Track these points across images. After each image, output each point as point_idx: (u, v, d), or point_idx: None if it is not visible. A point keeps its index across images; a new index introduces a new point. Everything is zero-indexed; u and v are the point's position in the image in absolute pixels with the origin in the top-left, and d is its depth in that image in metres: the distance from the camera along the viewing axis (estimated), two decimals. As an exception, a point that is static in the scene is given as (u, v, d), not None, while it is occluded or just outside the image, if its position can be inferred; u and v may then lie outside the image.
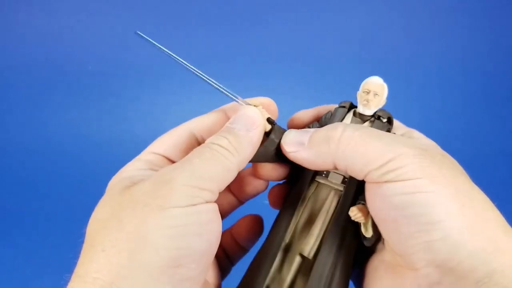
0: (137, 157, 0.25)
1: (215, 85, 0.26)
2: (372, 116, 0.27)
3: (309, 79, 0.84)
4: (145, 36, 0.26)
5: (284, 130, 0.26)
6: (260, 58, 0.87)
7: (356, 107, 0.27)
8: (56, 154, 0.81)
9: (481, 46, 0.89)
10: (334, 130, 0.23)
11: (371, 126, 0.26)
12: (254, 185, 0.29)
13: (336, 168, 0.23)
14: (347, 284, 0.25)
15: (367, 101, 0.26)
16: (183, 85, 0.85)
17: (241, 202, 0.31)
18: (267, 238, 0.27)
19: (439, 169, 0.20)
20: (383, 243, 0.24)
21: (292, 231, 0.27)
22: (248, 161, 0.24)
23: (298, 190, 0.27)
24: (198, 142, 0.27)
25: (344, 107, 0.28)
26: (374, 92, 0.26)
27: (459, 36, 0.89)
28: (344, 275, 0.25)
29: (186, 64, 0.26)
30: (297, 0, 0.87)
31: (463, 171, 0.22)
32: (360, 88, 0.27)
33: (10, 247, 0.65)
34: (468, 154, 0.80)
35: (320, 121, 0.28)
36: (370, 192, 0.22)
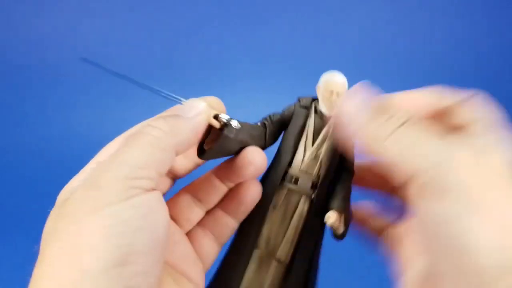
0: (82, 169, 0.24)
1: (159, 92, 0.25)
2: None
3: (309, 79, 0.84)
4: (91, 62, 0.26)
5: (242, 125, 0.25)
6: (260, 58, 0.87)
7: (315, 99, 0.27)
8: (56, 154, 0.81)
9: (481, 46, 0.89)
10: (390, 120, 0.21)
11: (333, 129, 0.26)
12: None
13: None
14: None
15: (331, 102, 0.26)
16: (183, 85, 0.85)
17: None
18: (237, 239, 0.27)
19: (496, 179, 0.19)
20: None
21: (266, 237, 0.27)
22: (188, 145, 0.22)
23: (267, 196, 0.27)
24: None
25: (305, 107, 0.27)
26: (337, 92, 0.25)
27: (459, 36, 0.89)
28: (315, 279, 0.26)
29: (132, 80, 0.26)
30: (297, 0, 0.87)
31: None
32: (322, 85, 0.26)
33: (10, 247, 0.65)
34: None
35: (276, 119, 0.28)
36: (412, 200, 0.21)
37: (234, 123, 0.24)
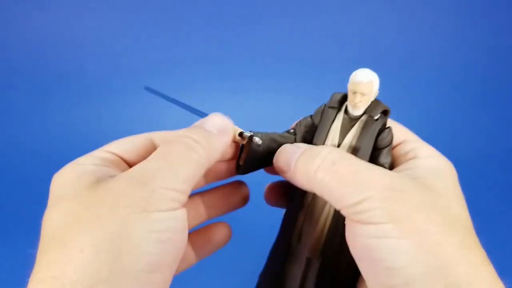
0: (90, 154, 0.24)
1: (188, 107, 0.26)
2: (364, 113, 0.26)
3: (309, 79, 0.84)
4: (154, 90, 0.27)
5: (270, 136, 0.27)
6: (260, 58, 0.87)
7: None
8: (56, 154, 0.81)
9: (481, 45, 0.89)
10: (312, 162, 0.22)
11: (362, 128, 0.25)
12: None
13: None
14: (353, 285, 0.26)
15: (355, 103, 0.25)
16: (183, 85, 0.85)
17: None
18: (277, 237, 0.28)
19: (410, 213, 0.20)
20: None
21: (297, 235, 0.27)
22: (212, 163, 0.23)
23: (299, 196, 0.27)
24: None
25: (334, 107, 0.26)
26: (361, 93, 0.24)
27: (459, 35, 0.89)
28: (349, 275, 0.25)
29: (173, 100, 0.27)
30: (297, 0, 0.87)
31: (452, 203, 0.22)
32: (348, 86, 0.25)
33: (10, 247, 0.65)
34: (469, 154, 0.80)
35: (307, 123, 0.28)
36: (346, 225, 0.22)
37: (256, 139, 0.26)
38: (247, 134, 0.26)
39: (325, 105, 0.27)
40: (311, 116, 0.28)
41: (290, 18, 0.88)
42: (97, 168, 0.22)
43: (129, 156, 0.25)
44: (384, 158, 0.25)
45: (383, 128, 0.25)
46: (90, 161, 0.23)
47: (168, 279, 0.20)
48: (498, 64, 0.89)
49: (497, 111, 0.88)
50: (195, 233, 0.30)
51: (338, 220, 0.25)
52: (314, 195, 0.27)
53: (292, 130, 0.28)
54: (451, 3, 0.88)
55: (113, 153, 0.24)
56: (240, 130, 0.26)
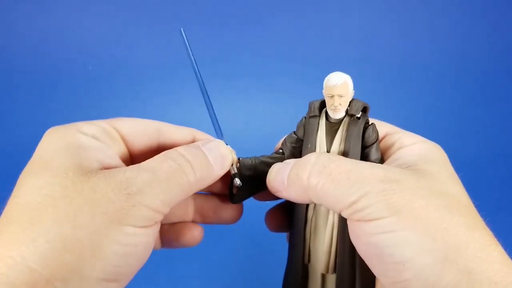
0: (94, 123, 0.23)
1: (212, 113, 0.26)
2: (346, 114, 0.26)
3: (309, 78, 0.84)
4: (184, 38, 0.27)
5: (260, 160, 0.27)
6: (260, 58, 0.87)
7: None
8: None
9: (481, 45, 0.89)
10: (303, 169, 0.22)
11: (347, 130, 0.25)
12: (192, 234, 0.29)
13: None
14: None
15: (334, 106, 0.25)
16: (182, 85, 0.85)
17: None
18: (289, 260, 0.28)
19: (409, 202, 0.19)
20: None
21: (308, 253, 0.27)
22: (199, 190, 0.23)
23: (300, 214, 0.27)
24: (158, 143, 0.26)
25: (315, 116, 0.26)
26: (338, 95, 0.24)
27: (459, 35, 0.89)
28: (367, 282, 0.25)
29: (200, 81, 0.27)
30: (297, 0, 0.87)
31: (448, 185, 0.21)
32: (323, 91, 0.25)
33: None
34: (469, 154, 0.80)
35: (291, 140, 0.28)
36: (349, 227, 0.22)
37: (237, 182, 0.26)
38: (232, 170, 0.26)
39: (304, 117, 0.27)
40: (294, 132, 0.28)
41: (290, 18, 0.88)
42: (95, 145, 0.22)
43: (130, 138, 0.25)
44: (374, 155, 0.25)
45: (367, 125, 0.25)
46: (92, 131, 0.22)
47: (125, 285, 0.21)
48: (498, 64, 0.89)
49: (497, 111, 0.88)
50: (168, 226, 0.29)
51: (345, 228, 0.25)
52: (315, 208, 0.27)
53: (280, 150, 0.28)
54: (452, 3, 0.88)
55: (116, 129, 0.24)
56: (235, 159, 0.26)
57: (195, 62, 0.26)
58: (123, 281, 0.20)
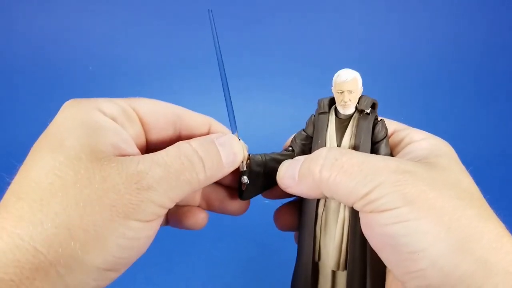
0: (114, 100, 0.23)
1: (229, 106, 0.27)
2: (355, 110, 0.26)
3: (309, 78, 0.84)
4: (212, 20, 0.27)
5: (270, 156, 0.27)
6: (260, 57, 0.87)
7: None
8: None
9: (481, 45, 0.89)
10: (315, 163, 0.22)
11: (356, 125, 0.25)
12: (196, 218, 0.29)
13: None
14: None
15: (344, 102, 0.25)
16: (182, 85, 0.85)
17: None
18: (298, 258, 0.28)
19: (422, 193, 0.19)
20: None
21: (318, 250, 0.27)
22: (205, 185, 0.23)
23: (311, 210, 0.27)
24: (175, 128, 0.26)
25: (324, 112, 0.27)
26: (348, 91, 0.25)
27: (459, 35, 0.89)
28: (378, 278, 0.25)
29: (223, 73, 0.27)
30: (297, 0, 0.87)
31: (460, 178, 0.21)
32: (332, 88, 0.26)
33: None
34: (468, 154, 0.80)
35: (301, 137, 0.28)
36: (361, 219, 0.22)
37: (244, 180, 0.26)
38: (242, 167, 0.26)
39: (313, 114, 0.27)
40: (303, 129, 0.28)
41: (290, 18, 0.88)
42: (112, 127, 0.22)
43: (148, 120, 0.25)
44: (384, 150, 0.25)
45: (376, 121, 0.26)
46: (110, 111, 0.22)
47: (121, 273, 0.21)
48: (498, 64, 0.89)
49: (497, 111, 0.88)
50: (175, 208, 0.30)
51: (356, 223, 0.25)
52: (325, 204, 0.27)
53: (290, 148, 0.28)
54: (452, 3, 0.88)
55: (135, 110, 0.24)
56: (246, 155, 0.26)
57: (219, 44, 0.26)
58: (120, 270, 0.21)
